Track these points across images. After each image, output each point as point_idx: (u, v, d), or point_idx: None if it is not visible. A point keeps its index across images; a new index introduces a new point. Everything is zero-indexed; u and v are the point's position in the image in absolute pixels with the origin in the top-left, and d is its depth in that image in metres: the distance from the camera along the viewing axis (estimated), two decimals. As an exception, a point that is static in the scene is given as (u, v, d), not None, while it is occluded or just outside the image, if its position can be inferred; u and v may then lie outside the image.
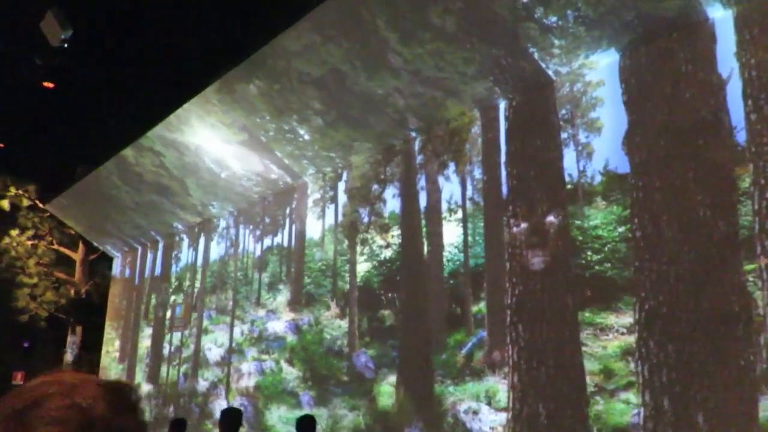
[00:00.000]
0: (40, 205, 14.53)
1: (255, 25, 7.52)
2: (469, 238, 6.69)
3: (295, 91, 7.44)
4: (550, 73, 6.06)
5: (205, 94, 8.33)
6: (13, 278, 14.84)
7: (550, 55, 5.87)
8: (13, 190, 14.80)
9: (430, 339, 6.81)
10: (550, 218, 5.87)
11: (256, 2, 7.76)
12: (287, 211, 9.38)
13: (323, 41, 6.57)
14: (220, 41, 7.91)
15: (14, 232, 14.95)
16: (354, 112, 7.29)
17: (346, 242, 8.19)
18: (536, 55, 5.92)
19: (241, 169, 9.24)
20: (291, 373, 8.50)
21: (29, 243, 15.00)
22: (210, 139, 9.02)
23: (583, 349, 5.38)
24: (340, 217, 8.38)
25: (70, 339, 13.95)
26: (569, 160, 5.88)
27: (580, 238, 5.63)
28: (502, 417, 5.89)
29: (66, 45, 7.48)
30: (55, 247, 15.46)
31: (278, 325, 8.93)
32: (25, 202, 14.91)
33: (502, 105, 6.54)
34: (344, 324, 7.95)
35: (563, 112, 6.03)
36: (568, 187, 5.82)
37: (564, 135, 5.98)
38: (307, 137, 8.14)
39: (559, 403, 5.46)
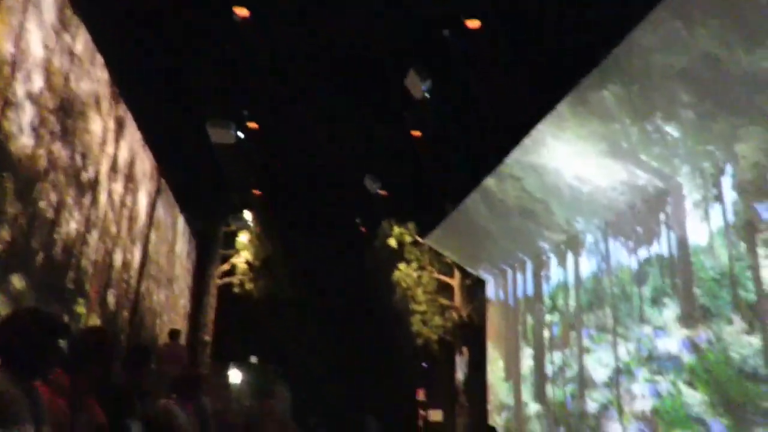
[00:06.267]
0: (420, 240, 16.43)
1: (601, 30, 7.19)
2: None
3: (657, 87, 6.81)
4: None
5: (557, 112, 8.26)
6: (407, 306, 17.01)
7: None
8: (396, 230, 17.11)
9: None
10: None
11: (598, 6, 7.45)
12: (661, 217, 8.57)
13: (687, 26, 5.86)
14: (566, 53, 7.79)
15: (402, 266, 17.19)
16: (735, 97, 6.29)
17: (743, 245, 7.05)
18: None
19: (604, 180, 8.84)
20: (693, 397, 7.60)
21: (415, 274, 17.03)
22: (568, 155, 8.88)
23: None
24: (730, 217, 7.28)
25: (458, 359, 15.21)
26: None
27: None
28: None
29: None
30: (436, 276, 17.21)
31: (670, 343, 8.13)
32: (408, 239, 17.06)
33: None
34: (754, 341, 6.79)
35: None
36: None
37: None
38: (676, 134, 7.34)
39: None
